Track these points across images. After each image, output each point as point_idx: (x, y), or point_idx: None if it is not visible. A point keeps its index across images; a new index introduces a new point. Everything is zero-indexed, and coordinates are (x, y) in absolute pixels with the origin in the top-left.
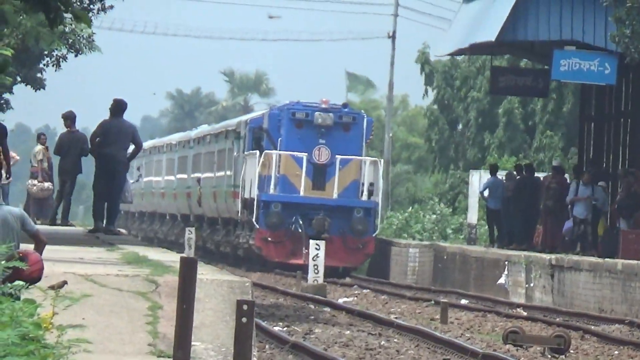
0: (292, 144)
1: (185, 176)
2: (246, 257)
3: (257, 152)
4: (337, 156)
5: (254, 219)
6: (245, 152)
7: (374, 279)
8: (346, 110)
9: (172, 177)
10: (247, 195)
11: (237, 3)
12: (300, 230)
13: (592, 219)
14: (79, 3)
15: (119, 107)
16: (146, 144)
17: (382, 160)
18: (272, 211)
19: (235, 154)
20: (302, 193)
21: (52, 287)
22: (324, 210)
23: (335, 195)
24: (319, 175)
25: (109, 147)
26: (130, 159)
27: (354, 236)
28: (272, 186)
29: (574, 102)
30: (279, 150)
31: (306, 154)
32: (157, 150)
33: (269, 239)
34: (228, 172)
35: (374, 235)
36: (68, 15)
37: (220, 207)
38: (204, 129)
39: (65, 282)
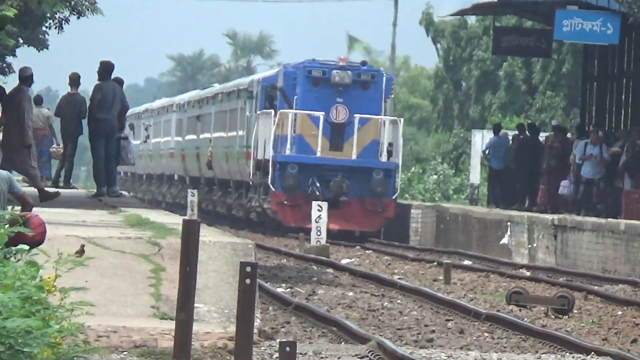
0: (308, 103)
1: (194, 137)
2: (259, 221)
3: (272, 111)
4: (355, 115)
5: (269, 181)
6: (258, 112)
7: (390, 242)
8: (365, 67)
9: (180, 138)
10: (260, 157)
11: None
12: (317, 193)
13: (602, 178)
14: None
15: (108, 69)
16: (154, 104)
17: (401, 120)
18: (289, 173)
19: (247, 113)
20: (319, 154)
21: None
22: (342, 171)
23: (353, 156)
24: (337, 135)
25: (102, 111)
26: (120, 122)
27: (374, 199)
28: (287, 146)
29: (575, 63)
30: (295, 109)
31: (323, 113)
32: (166, 110)
33: (285, 202)
34: (240, 132)
35: (394, 197)
36: None
37: (232, 169)
38: (214, 88)
39: (83, 246)
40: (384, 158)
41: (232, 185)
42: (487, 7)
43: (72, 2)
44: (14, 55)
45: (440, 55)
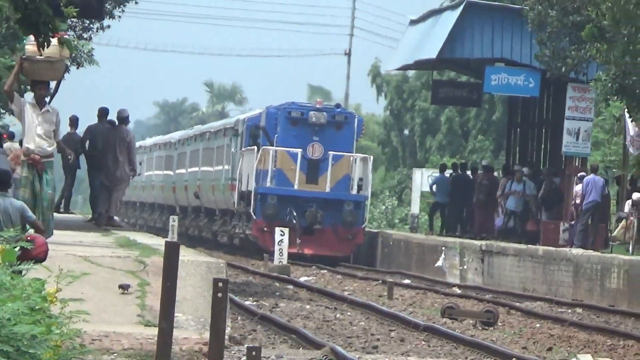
0: (287, 141)
1: (184, 170)
2: (242, 246)
3: (255, 148)
4: (329, 152)
5: (251, 210)
6: (243, 148)
7: (359, 266)
8: (339, 110)
9: (171, 172)
10: (244, 188)
11: (216, 24)
12: (294, 222)
13: (522, 211)
14: (81, 22)
15: (101, 113)
16: (147, 142)
17: (371, 157)
18: (269, 203)
19: (232, 150)
20: (296, 186)
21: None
22: (316, 202)
23: (327, 189)
24: (313, 170)
25: (94, 149)
26: None
27: (345, 227)
28: (268, 179)
29: (503, 111)
30: (275, 146)
31: (301, 150)
32: (158, 147)
33: (265, 229)
34: (226, 167)
35: (363, 226)
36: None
37: (218, 199)
38: (201, 127)
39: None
40: (354, 191)
41: (217, 213)
42: (427, 63)
43: (73, 55)
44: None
45: (386, 105)
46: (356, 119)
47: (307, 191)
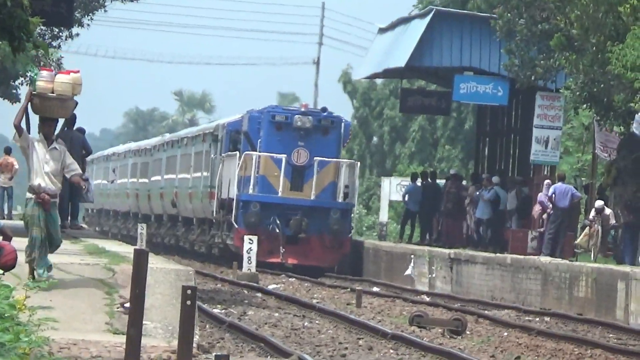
0: (271, 146)
1: (159, 177)
2: (221, 256)
3: (236, 153)
4: (315, 158)
5: (232, 219)
6: (223, 154)
7: (344, 276)
8: (325, 114)
9: (146, 179)
10: (224, 196)
11: (186, 32)
12: (277, 230)
13: (491, 219)
14: (50, 30)
15: (68, 120)
16: (120, 148)
17: (358, 163)
18: (251, 211)
19: (212, 155)
20: (280, 194)
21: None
22: (301, 210)
23: (312, 197)
24: (298, 176)
25: None
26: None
27: (331, 236)
28: (251, 186)
29: (472, 120)
30: (259, 151)
31: (285, 155)
32: (132, 153)
33: None
34: (205, 174)
35: (349, 235)
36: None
37: (195, 207)
38: (179, 133)
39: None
40: (340, 199)
41: (195, 222)
42: (396, 71)
43: (42, 63)
44: None
45: (353, 113)
46: (343, 123)
47: (291, 198)
